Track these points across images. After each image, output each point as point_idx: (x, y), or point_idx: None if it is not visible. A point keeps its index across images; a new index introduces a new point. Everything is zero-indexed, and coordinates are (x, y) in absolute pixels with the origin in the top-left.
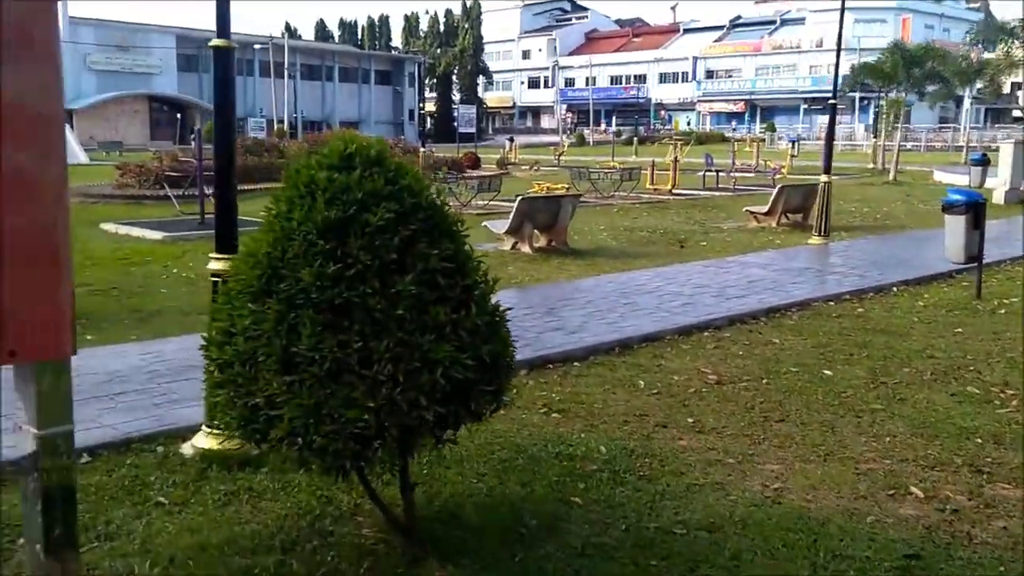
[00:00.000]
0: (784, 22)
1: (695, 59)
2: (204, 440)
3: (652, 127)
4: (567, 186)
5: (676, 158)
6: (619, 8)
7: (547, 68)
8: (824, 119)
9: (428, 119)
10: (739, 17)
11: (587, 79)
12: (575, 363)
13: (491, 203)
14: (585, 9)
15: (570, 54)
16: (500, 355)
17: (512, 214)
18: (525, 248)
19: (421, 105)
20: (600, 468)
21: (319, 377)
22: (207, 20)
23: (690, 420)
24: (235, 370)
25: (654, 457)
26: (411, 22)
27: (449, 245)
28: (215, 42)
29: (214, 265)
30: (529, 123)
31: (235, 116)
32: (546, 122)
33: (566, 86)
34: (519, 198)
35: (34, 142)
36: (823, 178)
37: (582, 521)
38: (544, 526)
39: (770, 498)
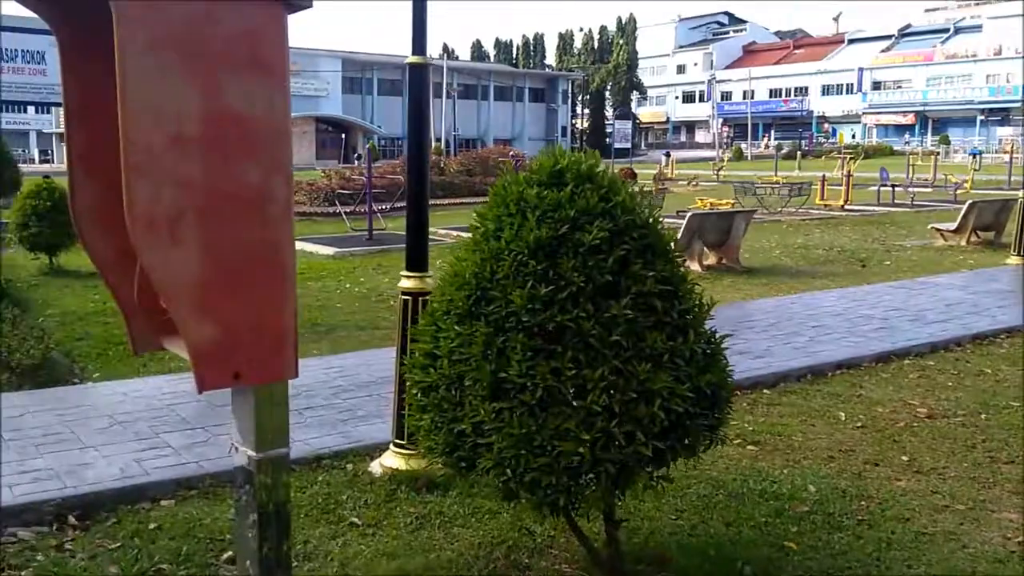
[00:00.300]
0: (958, 30)
1: (861, 70)
2: (392, 459)
3: (815, 140)
4: (732, 201)
5: (849, 172)
6: (779, 20)
7: (703, 82)
8: (1005, 131)
9: (581, 135)
10: (909, 26)
11: (744, 92)
12: (764, 390)
13: None
14: (743, 22)
15: (727, 67)
16: (719, 386)
17: (681, 231)
18: (694, 266)
19: (574, 122)
20: (812, 510)
21: (530, 406)
22: (368, 44)
23: (904, 458)
24: (440, 394)
25: (871, 499)
26: (565, 40)
27: (664, 266)
28: (411, 59)
29: (405, 283)
30: (683, 138)
31: (429, 133)
32: (701, 137)
33: (722, 100)
34: (689, 214)
35: (263, 158)
36: (1020, 193)
37: (801, 571)
38: (760, 574)
39: (1016, 553)
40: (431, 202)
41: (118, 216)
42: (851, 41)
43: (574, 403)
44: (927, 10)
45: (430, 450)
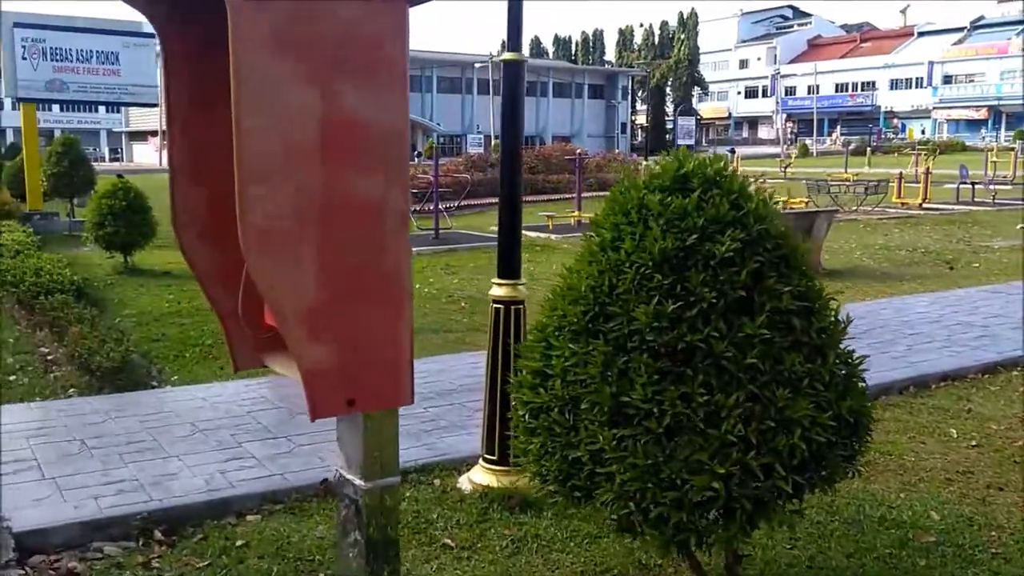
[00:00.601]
0: None
1: (931, 63)
2: (482, 476)
3: (883, 136)
4: (805, 200)
5: (928, 169)
6: (844, 13)
7: (766, 77)
8: None
9: (640, 132)
10: (981, 18)
11: (809, 87)
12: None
13: None
14: (808, 15)
15: (791, 62)
16: (859, 412)
17: None
18: None
19: (633, 118)
20: (939, 540)
21: (656, 434)
22: (425, 42)
23: None
24: (552, 417)
25: (1001, 529)
26: (625, 36)
27: (800, 281)
28: (507, 56)
29: (497, 291)
30: (745, 134)
31: (522, 132)
32: (763, 133)
33: (786, 95)
34: None
35: (382, 166)
36: None
37: None
38: None
39: None
40: (490, 200)
41: (220, 224)
42: (921, 34)
43: (707, 432)
44: (1000, 0)
45: (540, 477)
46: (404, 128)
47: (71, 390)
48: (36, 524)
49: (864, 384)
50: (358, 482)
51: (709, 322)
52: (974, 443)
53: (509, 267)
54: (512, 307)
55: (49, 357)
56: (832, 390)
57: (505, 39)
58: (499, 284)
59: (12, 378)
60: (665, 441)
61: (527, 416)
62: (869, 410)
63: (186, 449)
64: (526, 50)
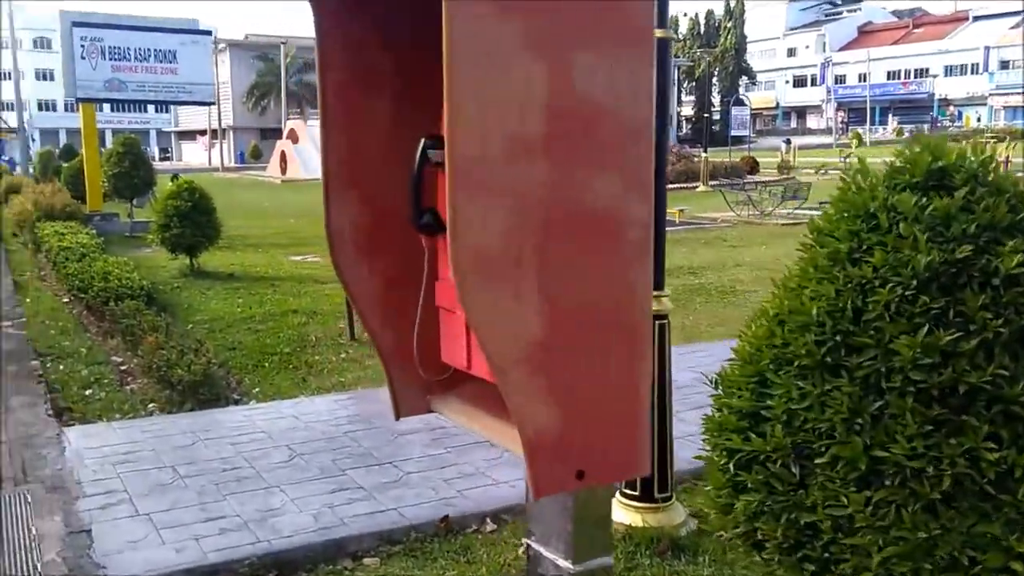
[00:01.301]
0: None
1: (987, 49)
2: (622, 513)
3: (939, 123)
4: None
5: (1008, 158)
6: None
7: (814, 65)
8: None
9: (685, 123)
10: None
11: (860, 75)
12: None
13: (795, 212)
14: (858, 1)
15: (841, 49)
16: None
17: None
18: None
19: (679, 109)
20: None
21: (929, 499)
22: None
23: None
24: (771, 470)
25: None
26: (671, 25)
27: None
28: (657, 32)
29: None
30: (794, 123)
31: (669, 117)
32: (812, 122)
33: (836, 83)
34: None
35: (622, 166)
36: None
37: None
38: None
39: None
40: None
41: (383, 238)
42: (976, 18)
43: (997, 497)
44: None
45: (753, 542)
46: (650, 117)
47: (151, 404)
48: (137, 572)
49: None
50: (562, 563)
51: (992, 357)
52: None
53: (657, 277)
54: (656, 322)
55: (123, 367)
56: None
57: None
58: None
59: (88, 392)
60: (942, 508)
61: (731, 465)
62: None
63: (287, 478)
64: None
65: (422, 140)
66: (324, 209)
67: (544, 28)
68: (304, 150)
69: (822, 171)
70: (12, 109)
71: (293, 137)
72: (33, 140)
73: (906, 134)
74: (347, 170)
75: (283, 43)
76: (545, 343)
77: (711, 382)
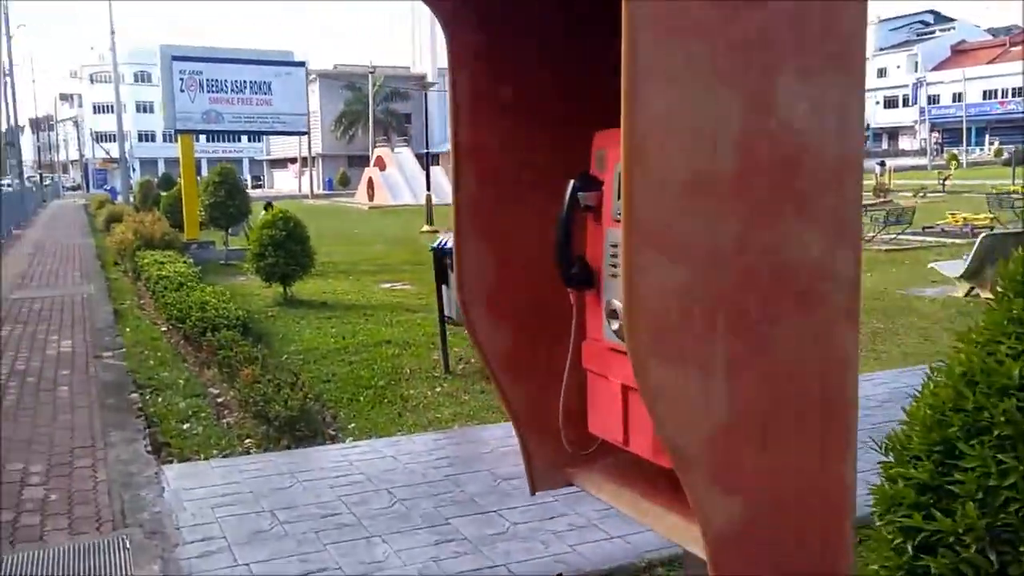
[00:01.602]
0: None
1: None
2: None
3: None
4: (990, 216)
5: None
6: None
7: (906, 85)
8: None
9: None
10: None
11: (954, 95)
12: None
13: (899, 237)
14: (951, 20)
15: (933, 69)
16: None
17: (971, 254)
18: (986, 294)
19: None
20: None
21: None
22: None
23: None
24: (963, 555)
25: None
26: None
27: None
28: None
29: None
30: (885, 145)
31: None
32: (905, 143)
33: (929, 103)
34: (981, 235)
35: (828, 214)
36: None
37: None
38: None
39: None
40: None
41: (513, 296)
42: None
43: None
44: None
45: None
46: (860, 156)
47: (247, 440)
48: None
49: None
50: None
51: None
52: None
53: None
54: None
55: (220, 399)
56: None
57: None
58: None
59: (186, 426)
60: None
61: (903, 541)
62: None
63: (388, 527)
64: None
65: (571, 182)
66: (454, 252)
67: (737, 48)
68: (390, 176)
69: (920, 193)
70: (115, 140)
71: (380, 164)
72: (133, 170)
73: (1005, 154)
74: (481, 221)
75: (371, 71)
76: (737, 426)
77: (880, 447)
